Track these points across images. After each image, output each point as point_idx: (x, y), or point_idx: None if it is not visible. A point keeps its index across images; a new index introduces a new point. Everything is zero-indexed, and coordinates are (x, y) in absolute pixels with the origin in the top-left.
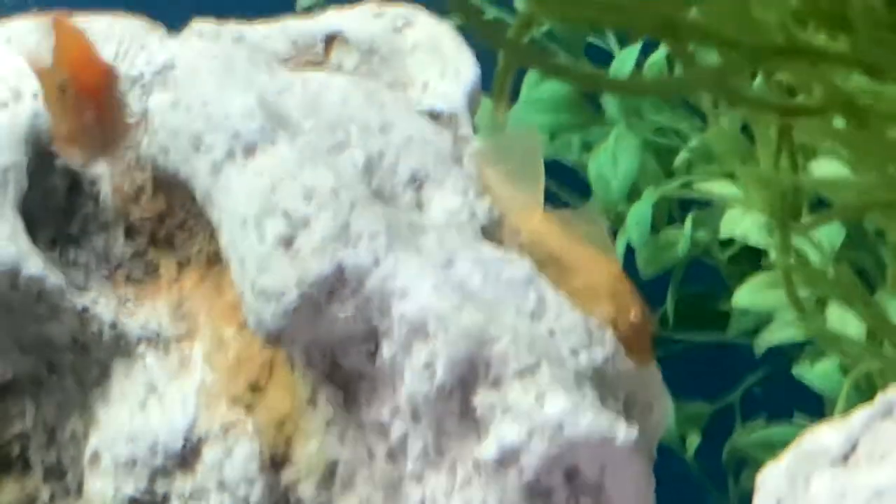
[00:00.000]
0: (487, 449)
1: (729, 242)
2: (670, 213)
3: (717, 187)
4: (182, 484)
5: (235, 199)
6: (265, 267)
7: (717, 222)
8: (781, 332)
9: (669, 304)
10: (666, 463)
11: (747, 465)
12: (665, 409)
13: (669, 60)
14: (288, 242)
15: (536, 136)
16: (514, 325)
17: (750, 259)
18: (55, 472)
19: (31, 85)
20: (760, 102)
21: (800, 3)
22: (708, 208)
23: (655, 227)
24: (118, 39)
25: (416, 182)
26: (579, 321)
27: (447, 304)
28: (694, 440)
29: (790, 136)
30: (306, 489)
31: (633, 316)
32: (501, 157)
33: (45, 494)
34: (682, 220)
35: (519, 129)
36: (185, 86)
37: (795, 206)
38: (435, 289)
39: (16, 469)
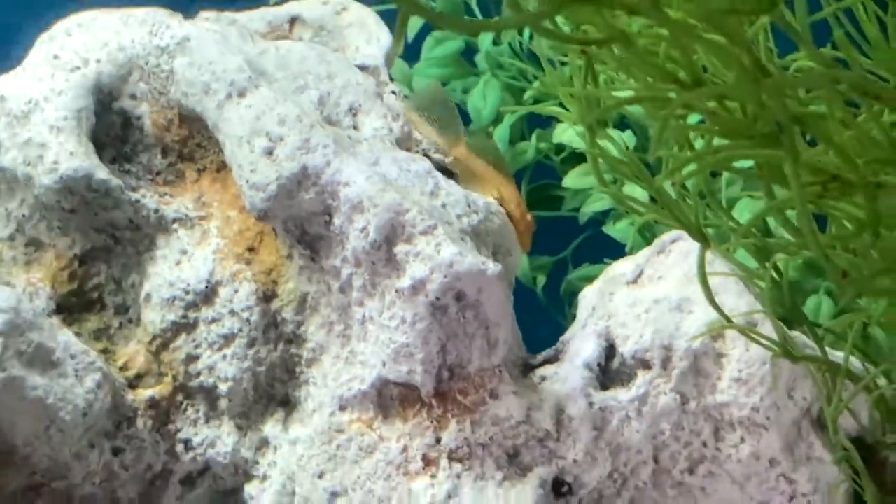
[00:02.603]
0: (404, 281)
1: (561, 149)
2: (522, 131)
3: (551, 109)
4: (206, 312)
5: (234, 126)
6: (255, 169)
7: (552, 136)
8: (595, 203)
9: (524, 192)
10: (525, 296)
11: (577, 293)
12: (519, 254)
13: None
14: (269, 152)
15: (444, 91)
16: (419, 201)
17: (576, 159)
18: (122, 309)
19: (95, 54)
20: (563, 37)
21: None
22: (547, 127)
23: (513, 141)
24: (151, 22)
25: (353, 111)
26: (462, 196)
27: (375, 188)
28: (542, 280)
29: (591, 65)
30: (288, 313)
31: (522, 220)
32: (425, 106)
33: (115, 323)
34: (530, 136)
35: (431, 86)
36: (197, 51)
37: (601, 116)
38: (367, 179)
39: (95, 308)
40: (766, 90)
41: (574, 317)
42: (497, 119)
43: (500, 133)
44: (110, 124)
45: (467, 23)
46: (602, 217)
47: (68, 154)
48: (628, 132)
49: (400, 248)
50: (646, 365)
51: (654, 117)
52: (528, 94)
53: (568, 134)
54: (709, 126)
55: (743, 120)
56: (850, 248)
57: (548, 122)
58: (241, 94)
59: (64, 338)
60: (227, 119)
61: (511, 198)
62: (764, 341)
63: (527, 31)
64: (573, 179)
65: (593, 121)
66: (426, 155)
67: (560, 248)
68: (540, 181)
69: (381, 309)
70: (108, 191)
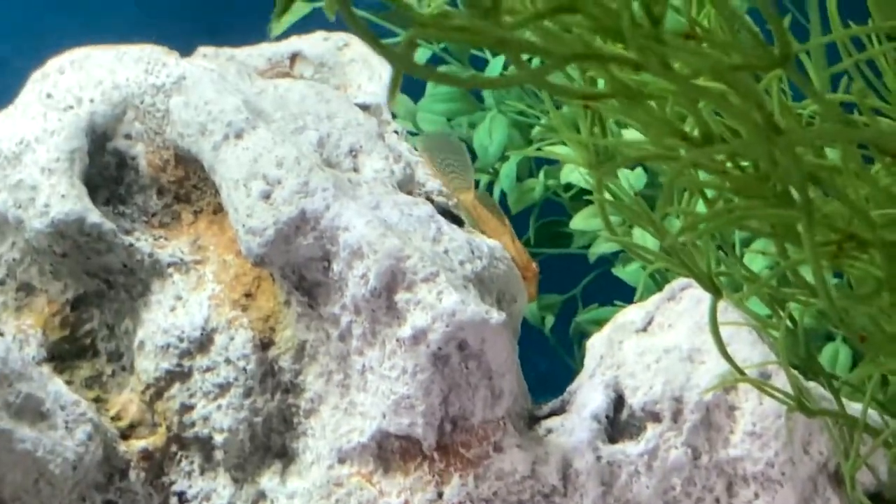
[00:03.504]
0: (405, 330)
1: (570, 187)
2: (529, 168)
3: (558, 150)
4: (200, 361)
5: (230, 168)
6: (251, 213)
7: (560, 174)
8: (603, 245)
9: (531, 230)
10: (532, 336)
11: (586, 335)
12: (524, 300)
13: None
14: (267, 196)
15: (456, 138)
16: (421, 247)
17: (583, 199)
18: (115, 356)
19: (89, 93)
20: (567, 91)
21: (590, 23)
22: (555, 165)
23: (520, 178)
24: (146, 60)
25: (353, 152)
26: (465, 242)
27: (375, 234)
28: (550, 321)
29: (595, 114)
30: (285, 361)
31: (528, 269)
32: (435, 148)
33: (108, 370)
34: (538, 173)
35: (441, 132)
36: (193, 91)
37: (608, 159)
38: (367, 224)
39: (88, 355)
40: (778, 147)
41: (583, 358)
42: (503, 156)
43: (507, 170)
44: (104, 165)
45: (467, 79)
46: (612, 257)
47: (60, 197)
48: (638, 170)
49: (401, 296)
50: (656, 417)
51: (663, 173)
52: (535, 132)
53: (575, 175)
54: (720, 184)
55: (755, 178)
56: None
57: (555, 161)
58: (238, 136)
59: (54, 388)
60: (223, 161)
61: (515, 247)
62: (778, 395)
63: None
64: (581, 221)
65: (600, 173)
66: (429, 198)
67: (569, 286)
68: (548, 218)
69: (382, 358)
70: (101, 234)
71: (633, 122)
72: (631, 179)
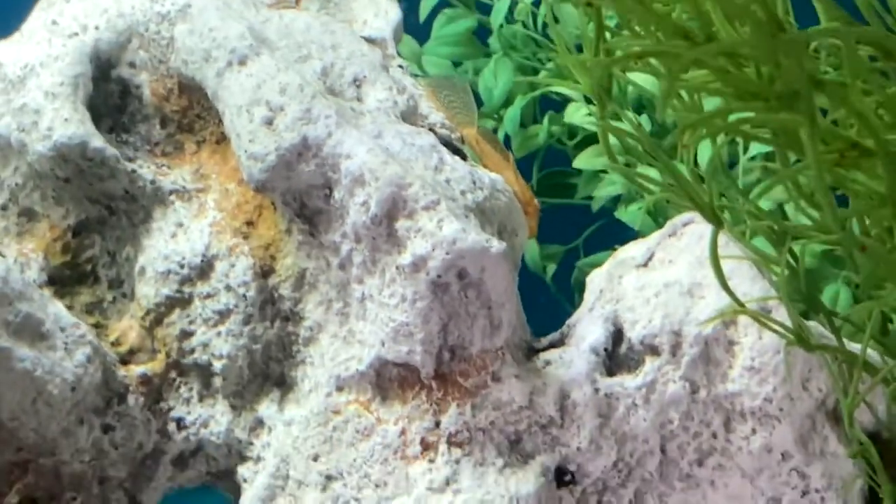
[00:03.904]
0: (405, 258)
1: (573, 133)
2: (534, 115)
3: (563, 86)
4: (201, 287)
5: (233, 94)
6: (254, 139)
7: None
8: (608, 187)
9: (534, 179)
10: (534, 285)
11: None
12: (525, 235)
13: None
14: (269, 122)
15: (460, 77)
16: (422, 175)
17: (588, 144)
18: (115, 283)
19: (94, 20)
20: None
21: None
22: (559, 112)
23: (524, 124)
24: None
25: (357, 82)
26: (467, 173)
27: (377, 161)
28: (552, 269)
29: (601, 20)
30: (285, 289)
31: (529, 204)
32: (440, 85)
33: (108, 297)
34: (542, 119)
35: (449, 75)
36: (198, 18)
37: (611, 68)
38: (369, 151)
39: (88, 281)
40: (782, 47)
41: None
42: (508, 101)
43: (512, 114)
44: (108, 93)
45: None
46: (613, 205)
47: (63, 121)
48: (644, 116)
49: (401, 224)
50: (654, 351)
51: (663, 76)
52: (540, 76)
53: (580, 114)
54: (721, 87)
55: (757, 80)
56: (868, 230)
57: (560, 106)
58: (242, 63)
59: (54, 309)
60: (226, 87)
61: (518, 182)
62: (778, 328)
63: (541, 12)
64: (585, 160)
65: (604, 85)
66: (432, 130)
67: (571, 236)
68: (551, 168)
69: (381, 286)
70: (104, 160)
71: (636, 23)
72: (637, 119)
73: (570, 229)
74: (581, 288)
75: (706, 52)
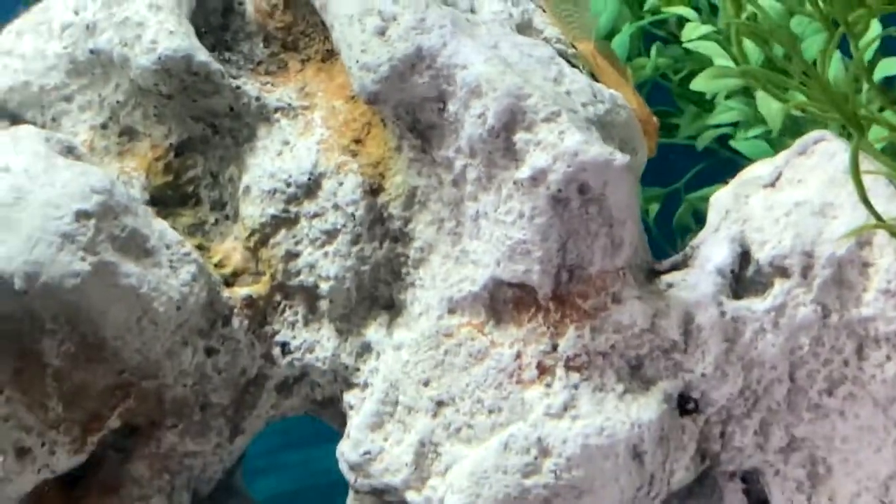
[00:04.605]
0: (523, 171)
1: (679, 68)
2: (640, 46)
3: (678, 10)
4: (308, 206)
5: (343, 4)
6: (366, 49)
7: (672, 53)
8: (722, 115)
9: None
10: None
11: (689, 229)
12: (645, 154)
13: None
14: (382, 32)
15: None
16: (541, 86)
17: (692, 79)
18: (218, 205)
19: None
20: None
21: None
22: (668, 46)
23: (630, 57)
24: None
25: None
26: (586, 85)
27: (495, 71)
28: (654, 210)
29: None
30: (395, 208)
31: (648, 123)
32: (560, 3)
33: (211, 219)
34: (649, 51)
35: None
36: None
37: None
38: (486, 61)
39: (190, 203)
40: None
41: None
42: (615, 29)
43: (618, 44)
44: (211, 10)
45: None
46: (718, 145)
47: (168, 33)
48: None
49: (520, 137)
50: (784, 273)
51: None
52: (648, 5)
53: (699, 32)
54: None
55: None
56: None
57: (667, 41)
58: None
59: (159, 226)
60: None
61: (636, 99)
62: None
63: None
64: (703, 83)
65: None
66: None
67: (673, 179)
68: (653, 107)
69: (497, 203)
70: (209, 75)
71: None
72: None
73: (672, 172)
74: (683, 233)
75: None
